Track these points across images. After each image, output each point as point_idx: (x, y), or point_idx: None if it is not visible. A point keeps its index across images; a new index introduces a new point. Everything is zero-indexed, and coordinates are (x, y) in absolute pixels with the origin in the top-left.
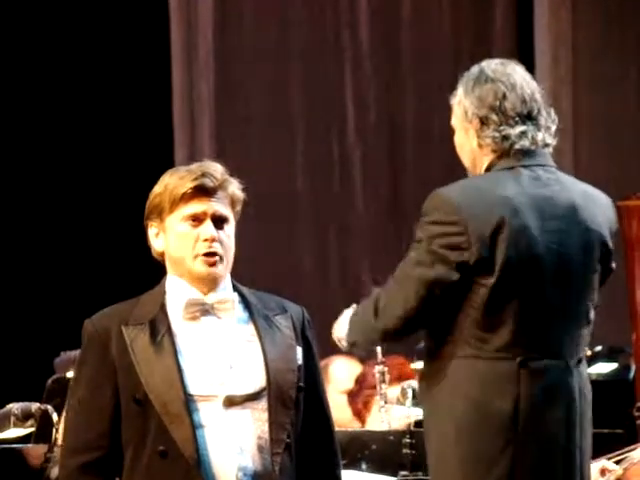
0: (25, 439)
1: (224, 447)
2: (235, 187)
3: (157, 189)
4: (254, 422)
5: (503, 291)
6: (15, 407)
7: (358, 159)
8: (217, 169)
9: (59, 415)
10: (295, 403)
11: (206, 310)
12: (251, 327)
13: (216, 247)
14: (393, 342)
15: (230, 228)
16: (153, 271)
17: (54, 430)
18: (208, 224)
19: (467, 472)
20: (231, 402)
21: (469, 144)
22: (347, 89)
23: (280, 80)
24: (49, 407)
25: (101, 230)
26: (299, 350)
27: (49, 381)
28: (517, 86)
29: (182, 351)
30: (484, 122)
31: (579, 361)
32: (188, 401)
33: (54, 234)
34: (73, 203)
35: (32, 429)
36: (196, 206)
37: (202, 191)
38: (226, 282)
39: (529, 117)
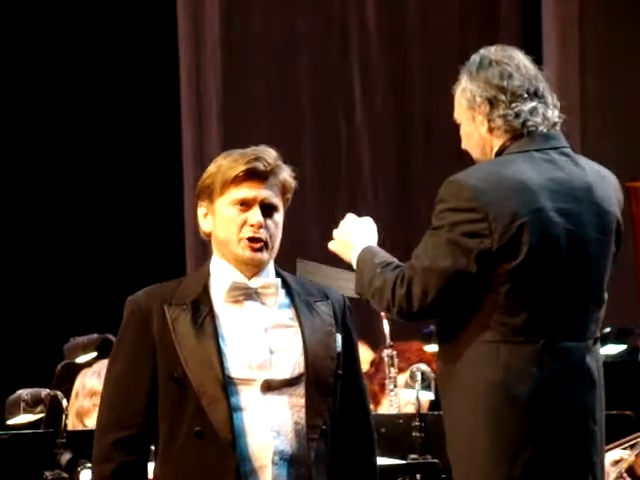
0: (35, 425)
1: (261, 431)
2: (287, 174)
3: (210, 169)
4: (291, 407)
5: (524, 275)
6: (25, 393)
7: (366, 144)
8: (271, 154)
9: (68, 401)
10: (332, 390)
11: (249, 294)
12: (292, 312)
13: (262, 233)
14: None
15: (278, 216)
16: (163, 260)
17: (64, 416)
18: (256, 210)
19: (493, 455)
20: (269, 387)
21: (477, 132)
22: (354, 74)
23: (287, 66)
24: (59, 393)
25: (109, 219)
26: (339, 337)
27: (59, 367)
28: (521, 66)
29: (223, 334)
30: (493, 103)
31: (595, 340)
32: (226, 383)
33: (64, 223)
34: (82, 193)
35: (42, 415)
36: (246, 191)
37: (253, 175)
38: (269, 267)
39: (536, 95)
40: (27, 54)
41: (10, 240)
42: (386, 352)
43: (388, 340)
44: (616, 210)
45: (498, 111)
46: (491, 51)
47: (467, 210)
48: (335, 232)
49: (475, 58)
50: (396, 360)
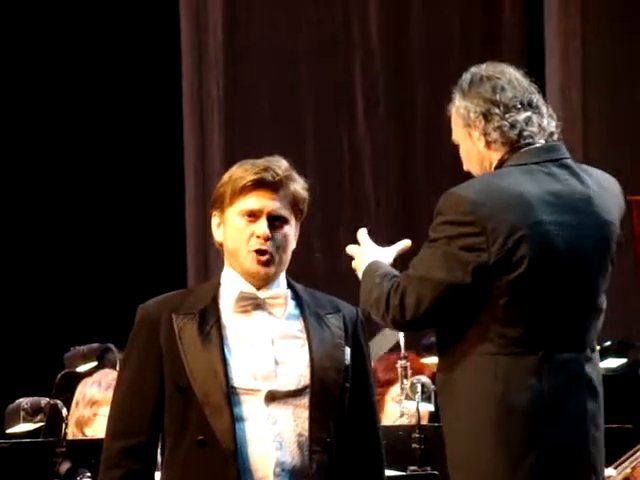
0: (34, 434)
1: (263, 441)
2: (299, 186)
3: (224, 179)
4: (295, 419)
5: (523, 287)
6: (25, 402)
7: (368, 155)
8: (281, 165)
9: (68, 410)
10: (339, 403)
11: (258, 305)
12: (300, 324)
13: (268, 245)
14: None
15: (288, 228)
16: (164, 270)
17: (63, 425)
18: (263, 222)
19: (493, 467)
20: (273, 397)
21: (476, 149)
22: (357, 85)
23: (289, 77)
24: (58, 402)
25: (111, 229)
26: (347, 351)
27: (59, 376)
28: (512, 79)
29: (229, 344)
30: (487, 117)
31: (593, 349)
32: (230, 393)
33: (65, 232)
34: (83, 203)
35: (41, 424)
36: (254, 201)
37: (262, 186)
38: (280, 279)
39: (530, 105)
40: (30, 62)
41: (11, 249)
42: (400, 363)
43: (403, 351)
44: (616, 222)
45: (493, 124)
46: (482, 68)
47: (464, 223)
48: (355, 250)
49: (466, 76)
50: (410, 371)
